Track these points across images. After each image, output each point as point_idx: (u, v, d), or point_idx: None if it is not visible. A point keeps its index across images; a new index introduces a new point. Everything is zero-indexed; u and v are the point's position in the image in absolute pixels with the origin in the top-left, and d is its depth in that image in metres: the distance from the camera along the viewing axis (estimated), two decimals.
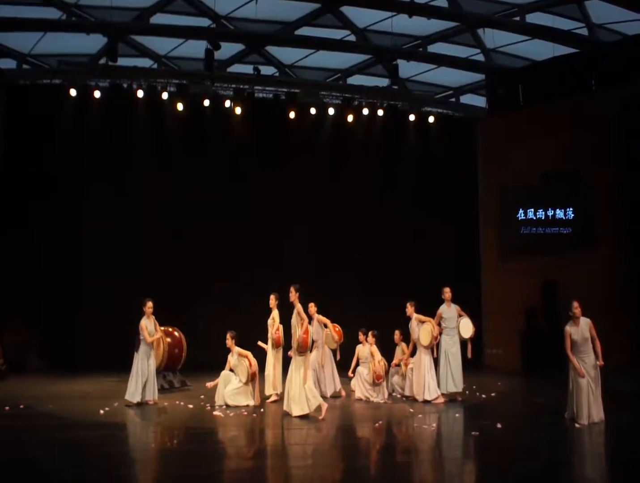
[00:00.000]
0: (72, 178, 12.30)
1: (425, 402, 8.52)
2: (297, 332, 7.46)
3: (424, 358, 8.59)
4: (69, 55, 12.52)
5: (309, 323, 7.83)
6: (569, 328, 7.02)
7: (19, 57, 12.61)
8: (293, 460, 5.89)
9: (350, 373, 9.15)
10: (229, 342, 8.33)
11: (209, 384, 8.32)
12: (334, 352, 9.14)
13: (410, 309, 8.81)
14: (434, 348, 8.69)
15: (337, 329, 9.09)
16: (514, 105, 13.27)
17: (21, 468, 5.31)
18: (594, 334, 6.99)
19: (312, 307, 8.77)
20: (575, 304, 6.98)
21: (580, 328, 6.98)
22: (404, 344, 9.15)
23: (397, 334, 9.22)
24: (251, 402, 8.26)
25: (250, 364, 8.18)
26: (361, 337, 9.02)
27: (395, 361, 9.24)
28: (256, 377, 8.31)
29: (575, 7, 11.76)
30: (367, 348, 8.93)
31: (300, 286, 7.68)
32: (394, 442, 6.84)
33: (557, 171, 12.36)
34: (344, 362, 9.23)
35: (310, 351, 7.90)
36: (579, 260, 11.77)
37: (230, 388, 8.20)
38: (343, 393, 9.10)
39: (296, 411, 7.43)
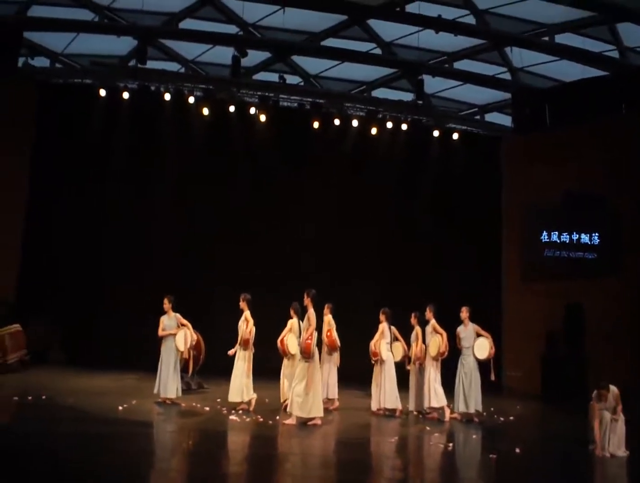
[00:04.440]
0: (99, 176, 12.45)
1: (432, 409, 8.51)
2: (302, 337, 7.43)
3: (429, 369, 8.62)
4: (100, 56, 12.71)
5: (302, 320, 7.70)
6: (597, 405, 6.95)
7: (52, 56, 12.83)
8: (296, 469, 5.81)
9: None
10: (242, 303, 8.29)
11: (231, 352, 8.24)
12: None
13: (429, 314, 8.81)
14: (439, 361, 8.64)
15: (329, 335, 8.60)
16: (540, 126, 13.17)
17: (41, 458, 5.37)
18: (619, 401, 6.98)
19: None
20: (604, 392, 6.94)
21: (608, 402, 6.99)
22: (418, 328, 8.96)
23: (413, 317, 9.08)
24: (246, 397, 8.08)
25: (247, 329, 8.10)
26: (413, 320, 9.00)
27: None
28: (249, 345, 8.11)
29: (606, 29, 11.69)
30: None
31: (314, 291, 7.64)
32: (406, 460, 6.71)
33: (582, 194, 12.19)
34: (353, 371, 9.11)
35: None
36: (604, 285, 11.55)
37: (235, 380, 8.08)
38: (335, 404, 8.83)
39: (295, 410, 7.35)
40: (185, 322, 8.51)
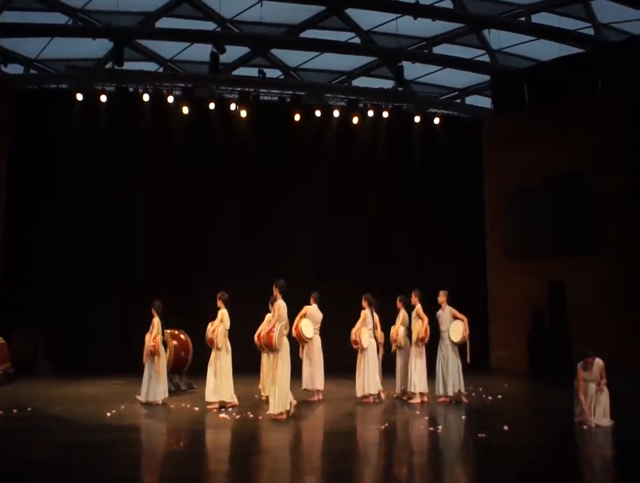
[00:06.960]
0: (80, 181, 12.38)
1: (412, 393, 8.62)
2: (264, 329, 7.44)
3: (411, 355, 8.72)
4: (75, 60, 12.64)
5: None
6: (582, 373, 7.17)
7: (26, 62, 12.72)
8: (286, 462, 5.88)
9: None
10: (218, 302, 8.26)
11: None
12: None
13: (414, 299, 8.85)
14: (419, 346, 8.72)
15: (296, 326, 8.53)
16: (520, 106, 13.21)
17: (29, 469, 5.37)
18: (604, 374, 7.16)
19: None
20: (590, 360, 7.13)
21: (593, 372, 7.19)
22: (404, 311, 9.05)
23: (398, 300, 9.14)
24: (219, 397, 8.08)
25: (211, 328, 8.12)
26: (399, 304, 9.04)
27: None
28: (214, 345, 8.09)
29: (581, 7, 11.69)
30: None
31: (282, 281, 7.59)
32: (397, 444, 6.81)
33: (563, 172, 12.28)
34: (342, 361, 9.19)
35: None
36: (586, 262, 11.66)
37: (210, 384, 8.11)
38: (319, 396, 8.81)
39: (273, 408, 7.30)
40: (155, 324, 8.47)
